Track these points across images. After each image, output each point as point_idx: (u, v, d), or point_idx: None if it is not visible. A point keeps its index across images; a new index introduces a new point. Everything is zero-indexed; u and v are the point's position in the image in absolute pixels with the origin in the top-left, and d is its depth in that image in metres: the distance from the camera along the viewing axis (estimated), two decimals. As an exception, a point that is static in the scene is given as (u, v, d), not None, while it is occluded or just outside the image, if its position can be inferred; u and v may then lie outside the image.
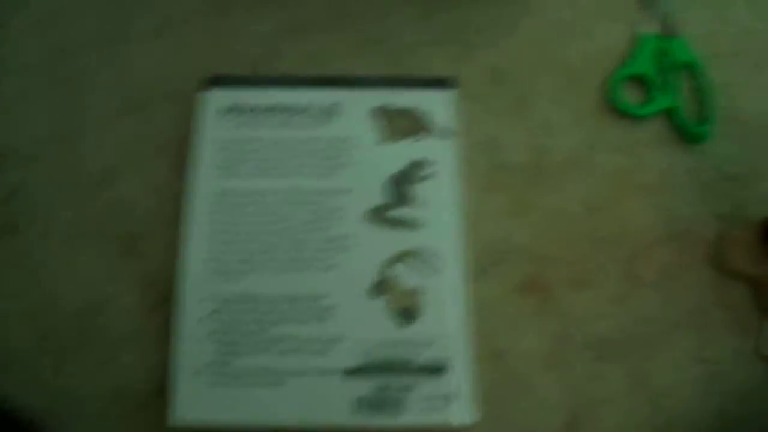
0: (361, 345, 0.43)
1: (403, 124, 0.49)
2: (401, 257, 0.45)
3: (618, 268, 0.47)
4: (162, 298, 0.45)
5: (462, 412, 0.42)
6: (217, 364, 0.42)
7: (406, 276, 0.44)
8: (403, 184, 0.46)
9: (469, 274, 0.44)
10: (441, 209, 0.46)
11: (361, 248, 0.45)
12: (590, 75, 0.51)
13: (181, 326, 0.42)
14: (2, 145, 0.49)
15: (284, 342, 0.43)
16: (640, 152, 0.50)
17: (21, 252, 0.47)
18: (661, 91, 0.52)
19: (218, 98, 0.49)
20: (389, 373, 0.42)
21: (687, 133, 0.49)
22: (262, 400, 0.42)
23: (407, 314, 0.43)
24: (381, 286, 0.44)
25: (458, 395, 0.42)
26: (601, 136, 0.50)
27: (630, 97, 0.51)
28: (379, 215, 0.45)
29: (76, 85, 0.51)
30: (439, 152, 0.47)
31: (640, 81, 0.51)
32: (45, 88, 0.52)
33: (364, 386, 0.42)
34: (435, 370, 0.42)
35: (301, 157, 0.47)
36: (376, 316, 0.43)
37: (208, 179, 0.46)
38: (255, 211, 0.46)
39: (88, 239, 0.48)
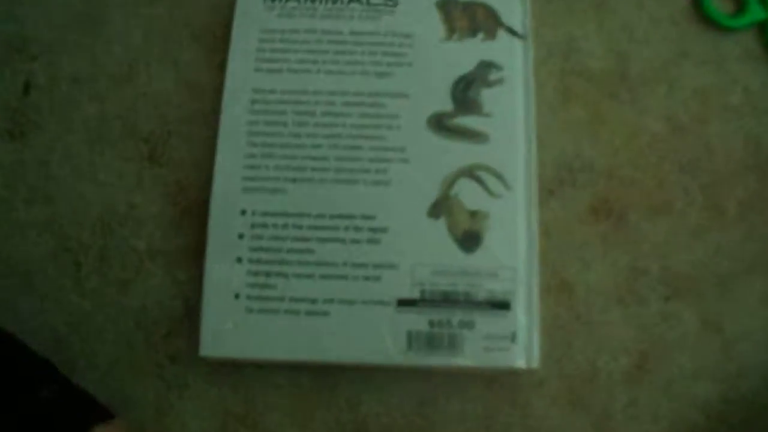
0: (417, 273, 0.38)
1: (471, 20, 0.43)
2: (464, 173, 0.40)
3: (698, 196, 0.43)
4: (193, 209, 0.41)
5: (527, 353, 0.38)
6: (253, 287, 0.38)
7: (469, 196, 0.40)
8: (469, 88, 0.41)
9: (535, 196, 0.40)
10: (510, 121, 0.41)
11: (419, 161, 0.40)
12: None
13: (214, 243, 0.39)
14: (15, 32, 0.46)
15: (330, 266, 0.38)
16: (729, 69, 0.44)
17: (38, 153, 0.44)
18: (758, 1, 0.44)
19: (263, -21, 0.34)
20: (447, 307, 0.38)
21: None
22: (304, 331, 0.38)
23: (469, 240, 0.39)
24: (441, 206, 0.39)
25: (523, 335, 0.38)
26: (687, 46, 0.45)
27: (721, 4, 0.46)
28: (441, 123, 0.40)
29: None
30: (510, 55, 0.42)
31: (734, -14, 0.37)
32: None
33: (418, 320, 0.38)
34: (498, 305, 0.38)
35: (353, 53, 0.42)
36: (434, 241, 0.39)
37: (247, 74, 0.41)
38: (299, 113, 0.41)
39: (112, 139, 0.44)
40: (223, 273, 0.37)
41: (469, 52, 0.40)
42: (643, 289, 0.40)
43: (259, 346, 0.37)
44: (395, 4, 0.41)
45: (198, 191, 0.39)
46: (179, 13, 0.43)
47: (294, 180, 0.38)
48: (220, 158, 0.39)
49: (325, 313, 0.37)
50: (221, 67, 0.40)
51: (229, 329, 0.37)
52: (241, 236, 0.38)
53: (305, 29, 0.41)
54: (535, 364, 0.36)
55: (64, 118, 0.41)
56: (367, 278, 0.37)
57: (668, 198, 0.41)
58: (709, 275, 0.40)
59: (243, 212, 0.38)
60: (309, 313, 0.37)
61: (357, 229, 0.38)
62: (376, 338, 0.37)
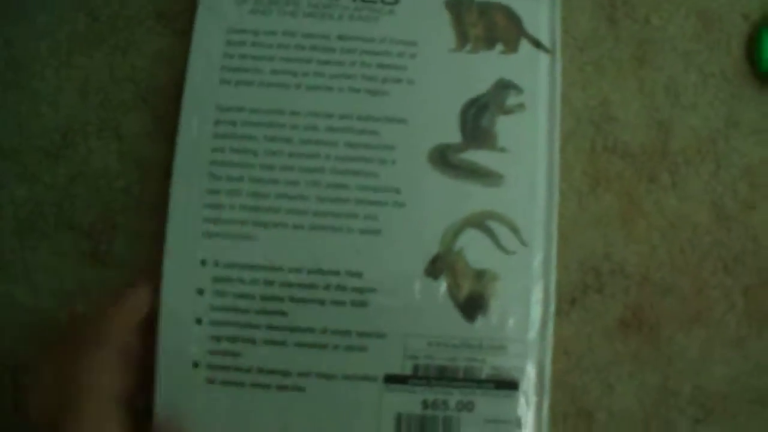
0: (410, 344, 0.31)
1: (488, 27, 0.33)
2: (471, 223, 0.32)
3: (739, 300, 0.36)
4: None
5: None
6: (215, 354, 0.30)
7: (476, 251, 0.32)
8: (482, 115, 0.32)
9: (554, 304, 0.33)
10: (530, 160, 0.32)
11: (417, 206, 0.31)
12: (732, 22, 0.38)
13: (169, 299, 0.31)
14: None
15: (306, 332, 0.31)
16: None
17: None
18: None
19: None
20: (444, 385, 0.31)
21: None
22: (274, 409, 0.30)
23: (473, 305, 0.31)
24: (441, 263, 0.31)
25: (530, 420, 0.31)
26: (740, 111, 0.37)
27: None
28: (446, 159, 0.32)
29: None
30: (533, 74, 0.33)
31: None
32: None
33: (409, 400, 0.31)
34: (504, 384, 0.31)
35: (341, 64, 0.32)
36: (431, 305, 0.31)
37: (210, 87, 0.32)
38: (272, 139, 0.32)
39: (47, 231, 0.35)
40: (179, 336, 0.30)
41: (484, 68, 0.33)
42: (672, 412, 0.35)
43: (220, 425, 0.30)
44: (396, 2, 0.33)
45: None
46: (122, 65, 0.36)
47: (265, 225, 0.31)
48: (175, 193, 0.31)
49: (300, 389, 0.30)
50: (171, 140, 0.33)
51: (184, 401, 0.30)
52: (200, 292, 0.31)
53: (283, 31, 0.33)
54: None
55: None
56: (350, 348, 0.31)
57: (707, 305, 0.36)
58: (745, 392, 0.35)
59: (203, 262, 0.31)
60: (280, 387, 0.30)
61: (340, 288, 0.31)
62: (359, 421, 0.30)
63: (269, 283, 0.31)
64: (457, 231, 0.32)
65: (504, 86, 0.33)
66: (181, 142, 0.32)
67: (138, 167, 0.36)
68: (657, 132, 0.37)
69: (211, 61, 0.33)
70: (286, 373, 0.31)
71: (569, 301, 0.35)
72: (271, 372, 0.31)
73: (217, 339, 0.31)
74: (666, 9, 0.38)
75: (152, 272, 0.31)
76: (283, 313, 0.31)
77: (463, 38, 0.33)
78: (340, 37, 0.33)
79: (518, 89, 0.33)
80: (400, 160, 0.32)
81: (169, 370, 0.30)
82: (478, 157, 0.32)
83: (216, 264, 0.31)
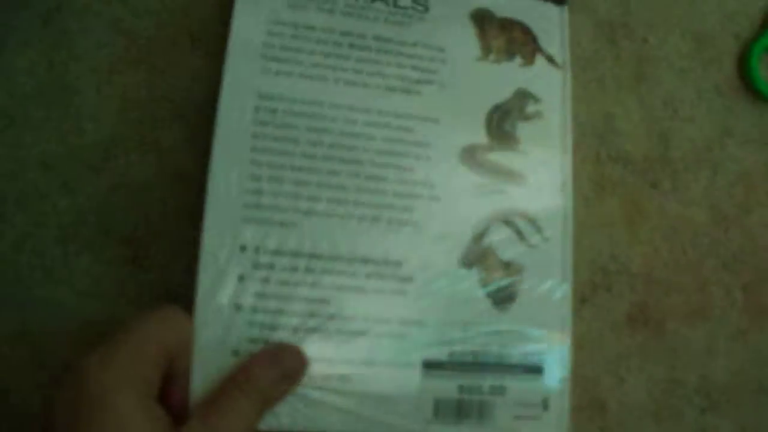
0: (446, 331, 0.32)
1: (508, 40, 0.35)
2: (499, 218, 0.33)
3: (739, 296, 0.38)
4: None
5: (558, 422, 0.32)
6: (256, 342, 0.30)
7: (504, 244, 0.33)
8: (505, 120, 0.34)
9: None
10: (548, 162, 0.34)
11: (451, 200, 0.32)
12: (724, 41, 0.41)
13: (207, 285, 0.30)
14: None
15: (348, 320, 0.31)
16: None
17: (4, 251, 0.35)
18: None
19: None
20: (478, 370, 0.32)
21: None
22: (319, 396, 0.30)
23: (504, 295, 0.33)
24: (474, 255, 0.33)
25: (555, 402, 0.32)
26: (733, 122, 0.40)
27: None
28: (475, 157, 0.33)
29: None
30: (548, 86, 0.35)
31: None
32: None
33: (447, 385, 0.32)
34: (530, 369, 0.32)
35: (378, 63, 0.33)
36: (465, 294, 0.32)
37: (251, 75, 0.32)
38: (313, 129, 0.32)
39: (89, 239, 0.35)
40: (218, 324, 0.29)
41: (505, 78, 0.35)
42: (680, 402, 0.38)
43: (268, 415, 0.29)
44: (426, 10, 0.34)
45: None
46: (160, 84, 0.37)
47: (306, 213, 0.31)
48: (215, 178, 0.30)
49: (343, 377, 0.30)
50: (206, 154, 0.32)
51: None
52: (241, 278, 0.30)
53: (322, 26, 0.33)
54: (565, 431, 0.32)
55: (32, 211, 0.36)
56: (390, 336, 0.31)
57: (709, 301, 0.39)
58: (749, 383, 0.37)
59: (243, 248, 0.30)
60: (324, 377, 0.30)
61: (380, 277, 0.31)
62: (400, 406, 0.31)
63: (310, 270, 0.31)
64: (486, 225, 0.33)
65: (523, 95, 0.35)
66: (221, 126, 0.31)
67: (175, 179, 0.37)
68: (657, 142, 0.39)
69: (251, 50, 0.33)
70: (329, 361, 0.31)
71: (580, 299, 0.37)
72: (314, 360, 0.30)
73: (258, 326, 0.30)
74: (662, 30, 0.40)
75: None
76: (324, 301, 0.31)
77: (486, 49, 0.35)
78: (376, 38, 0.34)
79: (536, 98, 0.35)
80: (434, 157, 0.33)
81: (206, 359, 0.29)
82: (502, 157, 0.34)
83: (257, 250, 0.31)
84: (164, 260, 0.36)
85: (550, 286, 0.33)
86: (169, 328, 0.28)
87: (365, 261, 0.32)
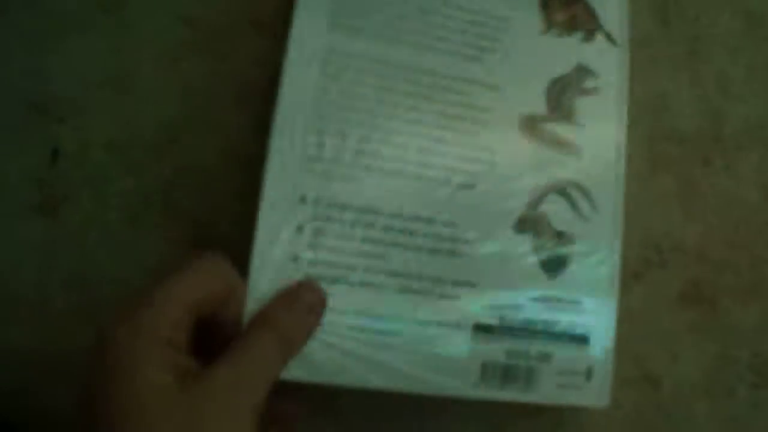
0: (498, 296, 0.32)
1: (570, 15, 0.35)
2: (555, 188, 0.33)
3: None
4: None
5: (600, 392, 0.32)
6: None
7: (558, 214, 0.33)
8: (564, 92, 0.34)
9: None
10: (603, 137, 0.34)
11: (508, 166, 0.33)
12: None
13: (265, 234, 0.29)
14: (38, 90, 0.37)
15: (403, 277, 0.31)
16: None
17: (72, 231, 0.36)
18: None
19: None
20: (526, 336, 0.32)
21: None
22: (366, 351, 0.30)
23: (555, 263, 0.33)
24: (529, 222, 0.33)
25: (599, 372, 0.32)
26: None
27: None
28: (535, 126, 0.33)
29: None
30: (606, 63, 0.35)
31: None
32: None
33: (495, 349, 0.31)
34: (576, 338, 0.32)
35: (444, 27, 0.33)
36: (519, 260, 0.32)
37: (319, 30, 0.32)
38: (378, 88, 0.32)
39: (155, 219, 0.36)
40: (274, 274, 0.29)
41: (566, 52, 0.35)
42: (732, 379, 0.38)
43: (316, 368, 0.29)
44: None
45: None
46: (222, 69, 0.37)
47: (367, 168, 0.31)
48: (278, 126, 0.30)
49: (394, 333, 0.30)
50: (268, 136, 0.32)
51: None
52: (299, 229, 0.30)
53: None
54: (607, 402, 0.32)
55: (98, 192, 0.37)
56: (443, 296, 0.31)
57: (761, 279, 0.40)
58: None
59: (303, 199, 0.30)
60: (377, 332, 0.30)
61: (437, 237, 0.31)
62: (449, 367, 0.31)
63: (369, 225, 0.31)
64: (541, 193, 0.33)
65: (583, 70, 0.35)
66: (287, 79, 0.31)
67: (239, 161, 0.37)
68: (709, 120, 0.39)
69: (319, 6, 0.32)
70: (381, 317, 0.30)
71: (633, 275, 0.37)
72: (367, 315, 0.30)
73: (314, 278, 0.30)
74: (714, 8, 0.40)
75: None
76: (380, 257, 0.31)
77: (548, 22, 0.35)
78: (444, 3, 0.34)
79: (594, 74, 0.35)
80: (493, 123, 0.33)
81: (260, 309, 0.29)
82: (560, 128, 0.34)
83: (317, 202, 0.30)
84: (228, 240, 0.37)
85: (599, 258, 0.33)
86: (201, 281, 0.27)
87: (422, 220, 0.31)
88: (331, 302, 0.30)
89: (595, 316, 0.33)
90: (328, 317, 0.30)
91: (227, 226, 0.37)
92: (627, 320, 0.36)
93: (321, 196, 0.30)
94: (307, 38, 0.32)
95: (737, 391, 0.37)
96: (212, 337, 0.28)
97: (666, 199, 0.38)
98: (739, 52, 0.40)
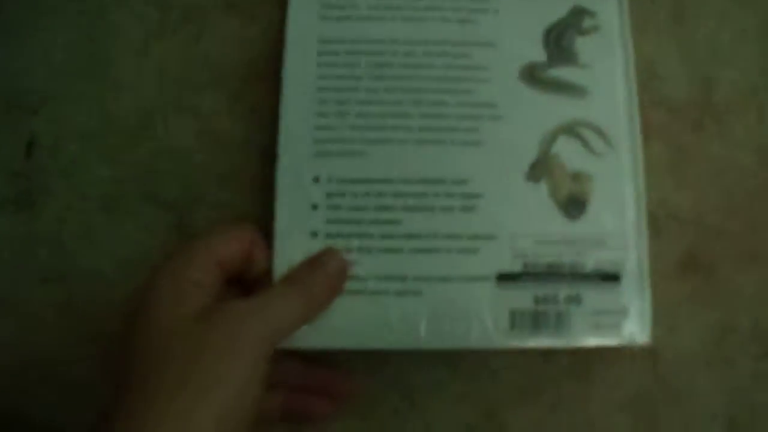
0: (518, 243, 0.31)
1: None
2: (564, 130, 0.32)
3: None
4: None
5: (640, 329, 0.31)
6: None
7: (571, 156, 0.32)
8: (562, 37, 0.34)
9: None
10: (609, 73, 0.33)
11: (513, 118, 0.32)
12: None
13: (284, 216, 0.31)
14: (12, 82, 0.36)
15: (420, 239, 0.31)
16: None
17: (49, 225, 0.35)
18: None
19: None
20: (552, 281, 0.31)
21: None
22: (394, 314, 0.30)
23: (574, 204, 0.32)
24: (541, 167, 0.32)
25: (635, 308, 0.31)
26: None
27: None
28: (535, 75, 0.33)
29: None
30: (603, 1, 0.34)
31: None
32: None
33: (522, 297, 0.31)
34: (607, 276, 0.32)
35: None
36: (535, 206, 0.32)
37: (311, 22, 0.33)
38: (374, 65, 0.33)
39: (132, 207, 0.35)
40: (296, 250, 0.31)
41: None
42: (733, 349, 0.35)
43: (343, 333, 0.30)
44: None
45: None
46: (196, 51, 0.36)
47: (373, 141, 0.32)
48: (285, 119, 0.32)
49: (417, 293, 0.31)
50: (245, 117, 0.35)
51: None
52: (315, 207, 0.31)
53: None
54: (648, 338, 0.31)
55: (74, 183, 0.36)
56: (462, 251, 0.31)
57: (761, 244, 0.36)
58: None
59: (316, 180, 0.32)
60: (399, 293, 0.31)
61: (448, 195, 0.31)
62: (477, 319, 0.30)
63: (381, 194, 0.32)
64: (550, 138, 0.33)
65: (579, 11, 0.34)
66: (288, 74, 0.33)
67: (215, 143, 0.36)
68: (699, 86, 0.37)
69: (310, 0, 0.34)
70: (403, 279, 0.31)
71: (629, 245, 0.35)
72: (389, 278, 0.31)
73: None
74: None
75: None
76: (396, 222, 0.31)
77: None
78: None
79: (591, 13, 0.34)
80: (493, 79, 0.33)
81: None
82: (563, 73, 0.34)
83: (329, 180, 0.32)
84: (207, 224, 0.35)
85: (621, 192, 0.33)
86: (230, 238, 0.30)
87: (433, 181, 0.32)
88: (352, 270, 0.31)
89: (624, 252, 0.32)
90: (351, 284, 0.31)
91: (206, 210, 0.35)
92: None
93: (332, 174, 0.32)
94: (302, 31, 0.33)
95: (738, 362, 0.35)
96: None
97: (658, 167, 0.36)
98: (726, 15, 0.38)
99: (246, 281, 0.31)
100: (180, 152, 0.37)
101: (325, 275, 0.30)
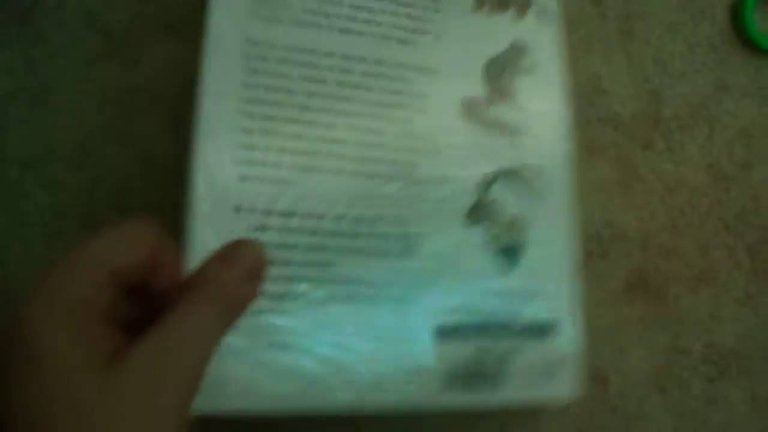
0: (458, 294, 0.28)
1: None
2: (503, 173, 0.30)
3: (745, 258, 0.35)
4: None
5: (571, 383, 0.29)
6: (255, 314, 0.24)
7: (509, 200, 0.30)
8: (502, 73, 0.31)
9: None
10: (548, 115, 0.31)
11: (453, 155, 0.29)
12: None
13: (198, 252, 0.25)
14: None
15: (353, 284, 0.27)
16: None
17: None
18: None
19: None
20: (489, 334, 0.28)
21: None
22: (322, 372, 0.26)
23: (511, 253, 0.29)
24: (480, 212, 0.29)
25: (569, 361, 0.29)
26: (729, 76, 0.36)
27: (765, 25, 0.36)
28: (475, 112, 0.30)
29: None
30: (540, 40, 0.32)
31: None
32: None
33: (458, 350, 0.28)
34: (541, 329, 0.29)
35: (372, 10, 0.30)
36: (473, 253, 0.28)
37: (237, 18, 0.28)
38: (308, 79, 0.28)
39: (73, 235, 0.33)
40: None
41: (500, 30, 0.32)
42: (685, 372, 0.35)
43: (262, 395, 0.25)
44: None
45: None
46: (136, 74, 0.35)
47: (304, 169, 0.27)
48: (202, 131, 0.26)
49: (349, 348, 0.27)
50: (187, 141, 0.28)
51: (220, 374, 0.25)
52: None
53: None
54: (579, 392, 0.29)
55: (15, 210, 0.34)
56: (399, 301, 0.27)
57: (712, 264, 0.34)
58: (759, 348, 0.34)
59: (237, 209, 0.26)
60: (331, 344, 0.26)
61: (384, 236, 0.28)
62: (414, 375, 0.27)
63: (311, 232, 0.27)
64: (490, 181, 0.30)
65: (519, 48, 0.32)
66: (207, 76, 0.28)
67: (157, 168, 0.35)
68: (648, 101, 0.36)
69: None
70: (333, 330, 0.27)
71: (576, 267, 0.34)
72: (316, 331, 0.27)
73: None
74: (648, -14, 0.37)
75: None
76: (328, 265, 0.27)
77: (480, 0, 0.32)
78: None
79: (530, 52, 0.32)
80: (432, 109, 0.30)
81: None
82: (501, 112, 0.31)
83: (252, 210, 0.27)
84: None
85: (555, 241, 0.31)
86: (125, 242, 0.22)
87: (368, 220, 0.28)
88: (278, 320, 0.27)
89: (558, 302, 0.30)
90: (271, 337, 0.26)
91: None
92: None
93: (256, 204, 0.27)
94: (225, 30, 0.28)
95: (692, 385, 0.34)
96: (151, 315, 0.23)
97: (605, 186, 0.35)
98: (678, 28, 0.37)
99: (151, 290, 0.23)
100: (121, 179, 0.36)
101: (242, 269, 0.22)
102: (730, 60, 0.37)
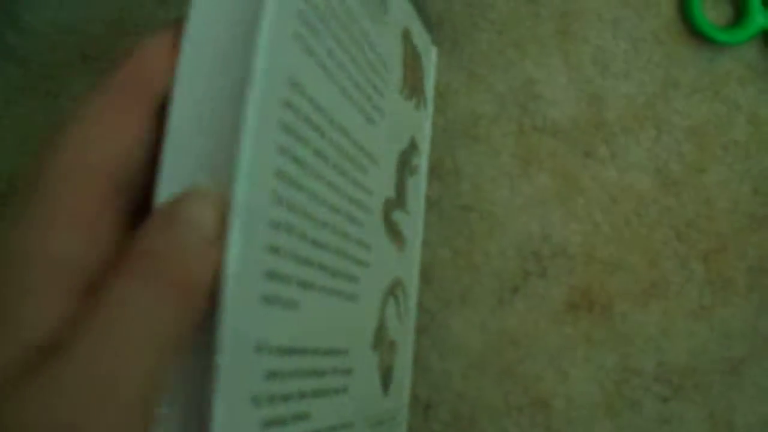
0: (367, 425, 0.23)
1: (415, 75, 0.26)
2: (391, 290, 0.24)
3: (699, 268, 0.31)
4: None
5: None
6: None
7: (392, 320, 0.25)
8: (403, 172, 0.25)
9: (492, 297, 0.29)
10: (417, 223, 0.27)
11: (373, 269, 0.22)
12: None
13: None
14: None
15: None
16: (730, 95, 0.32)
17: None
18: (762, 5, 0.32)
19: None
20: None
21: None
22: None
23: (387, 376, 0.24)
24: (378, 334, 0.23)
25: None
26: (677, 72, 0.32)
27: (716, 14, 0.33)
28: (388, 216, 0.24)
29: None
30: (424, 137, 0.27)
31: (729, -9, 0.36)
32: None
33: None
34: None
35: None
36: (372, 380, 0.23)
37: (281, 27, 0.15)
38: (338, 153, 0.20)
39: None
40: None
41: (408, 120, 0.26)
42: (637, 393, 0.32)
43: None
44: (386, 11, 0.23)
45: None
46: (56, 108, 0.32)
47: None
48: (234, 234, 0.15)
49: None
50: None
51: None
52: (255, 401, 0.16)
53: None
54: None
55: None
56: None
57: (662, 277, 0.33)
58: (716, 363, 0.31)
59: (258, 349, 0.16)
60: None
61: (333, 372, 0.20)
62: None
63: (320, 372, 0.20)
64: (385, 299, 0.25)
65: (413, 145, 0.27)
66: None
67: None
68: (588, 105, 0.33)
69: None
70: None
71: (511, 289, 0.31)
72: None
73: None
74: (585, -22, 0.34)
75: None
76: (304, 417, 0.19)
77: (405, 80, 0.26)
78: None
79: (419, 150, 0.28)
80: (371, 211, 0.23)
81: None
82: (397, 218, 0.26)
83: (270, 351, 0.18)
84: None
85: (407, 363, 0.28)
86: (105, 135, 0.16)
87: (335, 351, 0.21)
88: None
89: (401, 428, 0.27)
90: None
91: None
92: (509, 342, 0.30)
93: (274, 341, 0.19)
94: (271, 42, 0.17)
95: (644, 406, 0.31)
96: None
97: (542, 199, 0.32)
98: (620, 24, 0.33)
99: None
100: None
101: (196, 236, 0.14)
102: (679, 54, 0.33)
